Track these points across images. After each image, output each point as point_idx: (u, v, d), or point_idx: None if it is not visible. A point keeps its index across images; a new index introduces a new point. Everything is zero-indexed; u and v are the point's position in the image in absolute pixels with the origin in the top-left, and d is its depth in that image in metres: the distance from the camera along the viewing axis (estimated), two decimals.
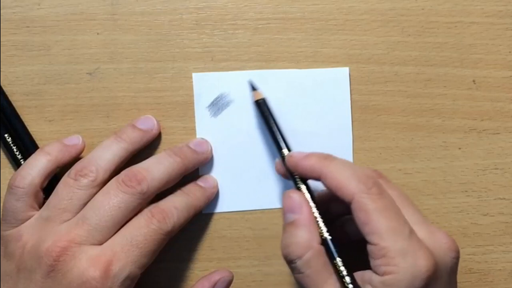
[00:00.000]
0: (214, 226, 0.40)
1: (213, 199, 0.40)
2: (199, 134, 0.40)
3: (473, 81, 0.41)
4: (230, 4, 0.40)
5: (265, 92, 0.40)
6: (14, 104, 0.40)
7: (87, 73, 0.40)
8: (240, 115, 0.40)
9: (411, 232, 0.32)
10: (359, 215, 0.32)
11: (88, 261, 0.33)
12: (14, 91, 0.40)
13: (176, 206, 0.36)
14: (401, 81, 0.40)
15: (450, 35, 0.40)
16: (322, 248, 0.33)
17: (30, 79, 0.40)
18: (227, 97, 0.40)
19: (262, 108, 0.38)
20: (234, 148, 0.40)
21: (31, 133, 0.40)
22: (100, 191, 0.35)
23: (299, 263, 0.33)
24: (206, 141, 0.40)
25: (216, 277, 0.38)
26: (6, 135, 0.39)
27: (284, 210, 0.35)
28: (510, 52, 0.41)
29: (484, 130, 0.41)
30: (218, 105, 0.40)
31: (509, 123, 0.41)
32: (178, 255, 0.40)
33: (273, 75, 0.40)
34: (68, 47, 0.40)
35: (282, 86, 0.40)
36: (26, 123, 0.40)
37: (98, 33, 0.40)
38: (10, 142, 0.39)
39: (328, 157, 0.35)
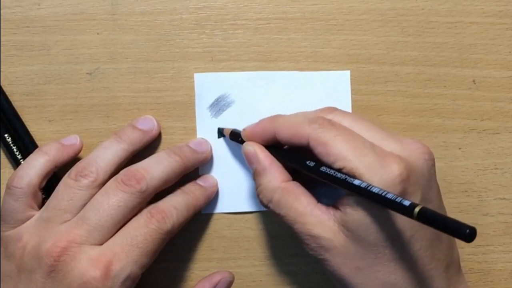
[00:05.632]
0: (214, 226, 0.40)
1: (213, 199, 0.40)
2: (200, 135, 0.40)
3: (473, 81, 0.41)
4: (230, 4, 0.40)
5: (266, 93, 0.40)
6: (14, 104, 0.40)
7: (87, 73, 0.40)
8: (241, 116, 0.40)
9: (374, 146, 0.32)
10: (320, 150, 0.32)
11: (89, 261, 0.33)
12: (14, 91, 0.40)
13: (176, 205, 0.36)
14: (401, 81, 0.40)
15: (450, 35, 0.40)
16: (290, 184, 0.34)
17: (30, 79, 0.40)
18: (228, 97, 0.40)
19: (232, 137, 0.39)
20: (234, 148, 0.40)
21: (31, 133, 0.40)
22: (100, 191, 0.35)
23: (272, 207, 0.34)
24: (206, 141, 0.40)
25: (217, 278, 0.38)
26: (6, 135, 0.39)
27: (248, 164, 0.36)
28: (510, 52, 0.41)
29: (484, 130, 0.41)
30: (219, 106, 0.40)
31: (509, 123, 0.41)
32: (178, 255, 0.40)
33: (274, 77, 0.40)
34: (68, 47, 0.40)
35: (283, 88, 0.40)
36: (26, 123, 0.40)
37: (98, 33, 0.40)
38: (10, 142, 0.39)
39: (277, 115, 0.36)
